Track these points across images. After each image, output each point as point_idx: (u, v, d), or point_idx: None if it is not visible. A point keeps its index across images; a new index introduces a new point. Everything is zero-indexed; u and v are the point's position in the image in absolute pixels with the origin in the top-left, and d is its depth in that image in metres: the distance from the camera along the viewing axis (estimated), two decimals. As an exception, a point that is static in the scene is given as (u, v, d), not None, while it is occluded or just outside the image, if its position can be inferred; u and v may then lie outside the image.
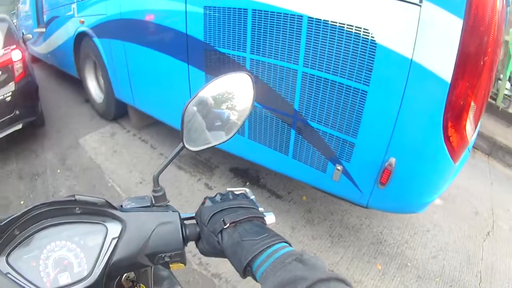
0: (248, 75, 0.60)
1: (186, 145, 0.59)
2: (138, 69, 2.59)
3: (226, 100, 0.59)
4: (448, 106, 1.39)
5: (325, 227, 2.21)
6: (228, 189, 0.64)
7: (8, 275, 0.52)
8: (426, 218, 2.38)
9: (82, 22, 3.18)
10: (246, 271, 0.49)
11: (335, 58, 1.53)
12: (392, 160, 1.56)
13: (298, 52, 1.60)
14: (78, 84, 4.11)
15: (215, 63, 1.90)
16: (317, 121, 1.69)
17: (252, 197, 0.64)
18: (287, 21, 1.58)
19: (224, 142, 0.61)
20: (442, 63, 1.34)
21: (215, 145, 0.62)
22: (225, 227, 0.54)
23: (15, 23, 5.19)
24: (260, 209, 0.62)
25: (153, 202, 0.62)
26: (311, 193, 2.47)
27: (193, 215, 0.63)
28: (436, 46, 1.34)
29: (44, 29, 4.26)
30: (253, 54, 1.74)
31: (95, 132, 3.51)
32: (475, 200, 2.70)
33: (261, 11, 1.63)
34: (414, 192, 1.68)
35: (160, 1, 2.04)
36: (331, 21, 1.48)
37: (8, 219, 0.52)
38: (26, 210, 0.53)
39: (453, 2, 1.26)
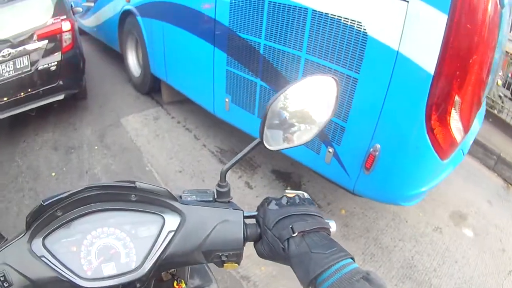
0: (334, 79, 0.58)
1: (265, 144, 0.57)
2: (172, 47, 2.89)
3: (308, 102, 0.58)
4: (431, 98, 1.48)
5: (360, 244, 2.21)
6: (287, 191, 0.62)
7: (43, 258, 0.49)
8: (457, 249, 2.34)
9: (128, 1, 3.43)
10: (311, 283, 0.49)
11: (332, 47, 1.69)
12: (377, 146, 1.67)
13: (303, 40, 1.79)
14: (124, 62, 4.11)
15: (235, 46, 2.15)
16: (315, 104, 1.86)
17: None
18: (295, 13, 1.78)
19: (301, 144, 0.60)
20: (426, 56, 1.43)
21: (291, 147, 0.61)
22: (293, 235, 0.53)
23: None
24: None
25: (215, 197, 0.61)
26: (350, 207, 2.46)
27: (254, 213, 0.61)
28: (421, 40, 1.44)
29: (92, 4, 4.53)
30: (267, 40, 1.96)
31: (139, 113, 3.46)
32: (505, 237, 2.59)
33: (275, 2, 1.84)
34: (397, 181, 1.75)
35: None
36: (331, 14, 1.64)
37: (53, 199, 0.49)
38: (75, 191, 0.50)
39: None
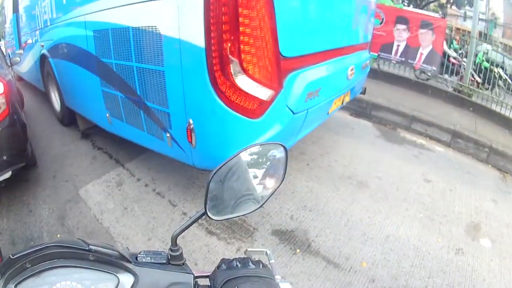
0: (282, 146, 0.59)
1: (209, 214, 0.60)
2: (72, 80, 3.31)
3: (255, 170, 0.59)
4: (209, 67, 1.81)
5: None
6: (249, 249, 0.66)
7: None
8: (481, 265, 2.30)
9: (42, 46, 3.86)
10: None
11: (147, 52, 2.12)
12: (190, 120, 2.01)
13: (131, 52, 2.24)
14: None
15: (101, 69, 2.62)
16: (149, 100, 2.24)
17: (272, 261, 0.66)
18: (124, 33, 2.25)
19: (249, 213, 0.61)
20: (196, 34, 1.79)
21: (239, 216, 0.62)
22: None
23: (2, 44, 5.13)
24: (277, 277, 0.63)
25: (169, 259, 0.65)
26: (370, 257, 2.26)
27: (208, 273, 0.65)
28: (190, 22, 1.80)
29: (22, 51, 4.83)
30: (116, 59, 2.42)
31: (98, 179, 2.94)
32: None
33: (115, 28, 2.33)
34: (215, 146, 2.03)
35: (74, 29, 2.87)
36: (141, 26, 2.10)
37: (19, 254, 0.57)
38: (38, 248, 0.58)
39: None
